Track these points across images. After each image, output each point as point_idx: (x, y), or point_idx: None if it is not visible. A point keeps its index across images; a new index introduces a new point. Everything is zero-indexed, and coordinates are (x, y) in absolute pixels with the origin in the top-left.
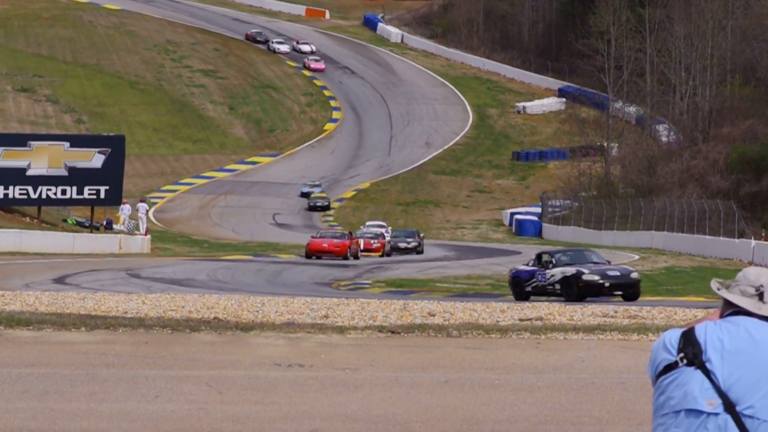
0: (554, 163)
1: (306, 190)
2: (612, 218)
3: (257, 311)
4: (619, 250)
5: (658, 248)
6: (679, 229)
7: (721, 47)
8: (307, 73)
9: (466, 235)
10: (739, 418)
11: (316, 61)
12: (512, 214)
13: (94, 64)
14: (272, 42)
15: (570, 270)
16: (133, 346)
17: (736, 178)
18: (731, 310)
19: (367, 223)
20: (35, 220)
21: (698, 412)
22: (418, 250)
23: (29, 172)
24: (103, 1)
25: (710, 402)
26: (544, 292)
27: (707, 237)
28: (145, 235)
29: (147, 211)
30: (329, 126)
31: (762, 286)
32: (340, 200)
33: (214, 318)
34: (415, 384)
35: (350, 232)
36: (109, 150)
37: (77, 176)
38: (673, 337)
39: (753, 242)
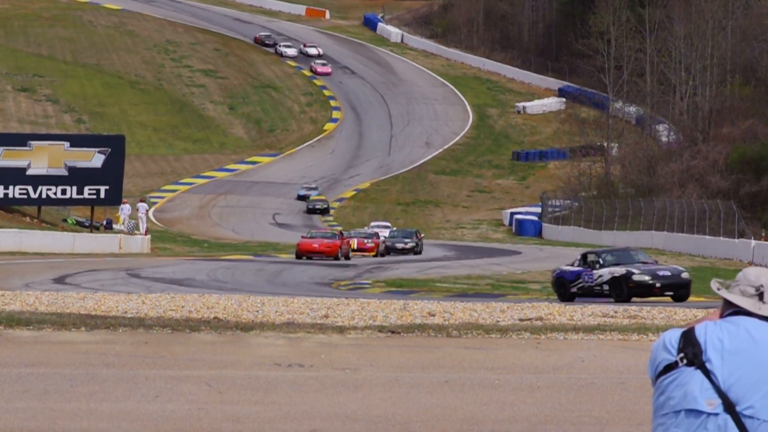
0: (554, 163)
1: (303, 193)
2: (612, 218)
3: (257, 311)
4: None
5: (658, 248)
6: (679, 229)
7: (721, 47)
8: (307, 72)
9: (466, 235)
10: (739, 418)
11: (323, 65)
12: (512, 214)
13: (94, 64)
14: (280, 45)
15: (619, 270)
16: (133, 346)
17: (736, 178)
18: (731, 310)
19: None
20: (35, 220)
21: (698, 412)
22: (415, 251)
23: (29, 172)
24: (103, 1)
25: (710, 402)
26: (591, 292)
27: (707, 237)
28: (145, 234)
29: (147, 210)
30: (329, 126)
31: (762, 286)
32: (340, 200)
33: (214, 318)
34: (415, 384)
35: (341, 232)
36: (109, 150)
37: (77, 176)
38: (673, 337)
39: (753, 242)
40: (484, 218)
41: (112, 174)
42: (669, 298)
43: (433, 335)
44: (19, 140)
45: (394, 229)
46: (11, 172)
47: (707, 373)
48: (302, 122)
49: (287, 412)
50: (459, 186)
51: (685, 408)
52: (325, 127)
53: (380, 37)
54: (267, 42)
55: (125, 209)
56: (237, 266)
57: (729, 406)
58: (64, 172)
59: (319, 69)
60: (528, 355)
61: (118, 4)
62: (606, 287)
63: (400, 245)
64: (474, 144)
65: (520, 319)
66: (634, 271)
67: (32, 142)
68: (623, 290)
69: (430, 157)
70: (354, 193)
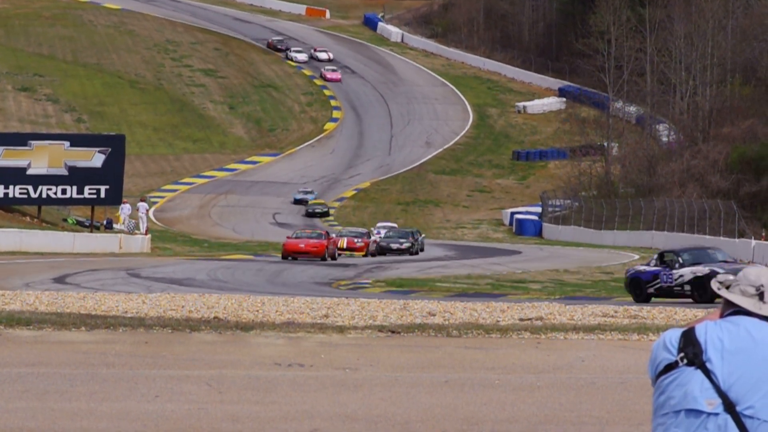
0: (554, 162)
1: (299, 197)
2: (612, 218)
3: (257, 311)
4: (619, 250)
5: (658, 248)
6: (679, 228)
7: (721, 47)
8: (307, 72)
9: (466, 234)
10: (739, 418)
11: (333, 71)
12: (512, 213)
13: (94, 64)
14: (291, 50)
15: (702, 270)
16: (133, 345)
17: (736, 178)
18: (731, 309)
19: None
20: (35, 220)
21: (698, 412)
22: (411, 251)
23: (29, 172)
24: (103, 1)
25: (710, 402)
26: (669, 293)
27: (707, 237)
28: (145, 234)
29: (147, 210)
30: (329, 125)
31: (762, 285)
32: (341, 200)
33: (214, 317)
34: (415, 384)
35: (327, 232)
36: (110, 149)
37: (77, 176)
38: (673, 336)
39: (753, 242)
40: (485, 218)
41: (112, 174)
42: None
43: (433, 335)
44: (19, 140)
45: (390, 228)
46: (11, 171)
47: (707, 373)
48: (302, 122)
49: (287, 411)
50: (459, 186)
51: (686, 408)
52: (325, 127)
53: (380, 37)
54: (279, 47)
55: (125, 209)
56: (237, 266)
57: (729, 406)
58: (65, 172)
59: (329, 75)
60: (528, 354)
61: (119, 3)
62: (687, 287)
63: (395, 245)
64: (474, 144)
65: (520, 319)
66: (718, 270)
67: (32, 142)
68: (707, 290)
69: (430, 156)
70: (354, 192)
